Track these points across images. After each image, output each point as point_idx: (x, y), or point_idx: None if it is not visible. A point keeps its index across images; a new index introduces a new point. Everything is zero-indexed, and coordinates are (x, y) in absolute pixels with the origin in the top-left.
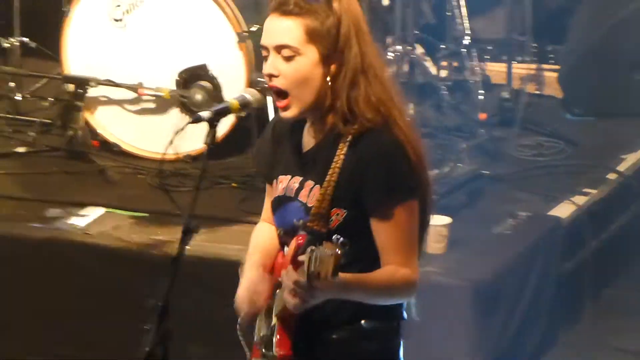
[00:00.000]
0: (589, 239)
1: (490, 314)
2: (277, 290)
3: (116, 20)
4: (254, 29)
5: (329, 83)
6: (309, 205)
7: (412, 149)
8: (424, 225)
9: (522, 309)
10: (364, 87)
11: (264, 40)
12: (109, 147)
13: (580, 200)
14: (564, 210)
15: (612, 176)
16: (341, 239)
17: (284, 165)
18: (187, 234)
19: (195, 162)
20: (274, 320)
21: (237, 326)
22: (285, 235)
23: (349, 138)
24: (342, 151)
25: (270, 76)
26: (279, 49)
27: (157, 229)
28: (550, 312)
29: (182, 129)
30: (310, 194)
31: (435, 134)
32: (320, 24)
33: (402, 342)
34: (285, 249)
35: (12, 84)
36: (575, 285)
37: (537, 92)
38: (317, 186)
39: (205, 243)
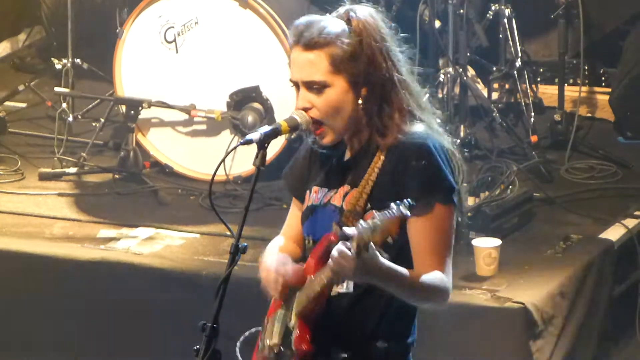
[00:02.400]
0: None
1: (540, 336)
2: (297, 292)
3: (169, 42)
4: None
5: (362, 105)
6: (344, 208)
7: (450, 153)
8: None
9: (573, 332)
10: (397, 101)
11: (292, 75)
12: (160, 168)
13: (632, 223)
14: (615, 233)
15: None
16: (405, 201)
17: (321, 178)
18: (235, 255)
19: (246, 183)
20: (294, 319)
21: (238, 346)
22: (314, 244)
23: (387, 146)
24: (380, 155)
25: (305, 109)
26: (307, 84)
27: (207, 250)
28: (602, 334)
29: (232, 151)
30: (346, 197)
31: (486, 155)
32: (344, 50)
33: None
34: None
35: (64, 106)
36: (626, 308)
37: (589, 114)
38: (354, 189)
39: (255, 264)
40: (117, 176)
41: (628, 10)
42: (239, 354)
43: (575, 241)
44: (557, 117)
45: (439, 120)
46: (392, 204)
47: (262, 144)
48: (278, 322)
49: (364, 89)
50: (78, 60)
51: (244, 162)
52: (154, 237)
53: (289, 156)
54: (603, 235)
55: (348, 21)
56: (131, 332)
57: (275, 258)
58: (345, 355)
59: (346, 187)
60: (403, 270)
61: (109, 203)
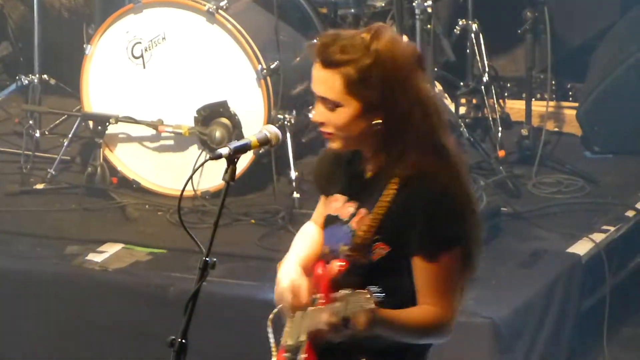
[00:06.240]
0: (608, 276)
1: (508, 351)
2: (310, 308)
3: (136, 58)
4: (273, 65)
5: (377, 127)
6: (357, 233)
7: (462, 194)
8: (470, 269)
9: (540, 347)
10: (415, 130)
11: (312, 86)
12: (128, 184)
13: (599, 237)
14: (582, 247)
15: (630, 213)
16: (379, 294)
17: (343, 186)
18: (204, 271)
19: (214, 198)
20: (303, 336)
21: (269, 320)
22: (330, 253)
23: (400, 178)
24: (393, 187)
25: (319, 123)
26: (322, 100)
27: (175, 266)
28: (569, 349)
29: (201, 166)
30: (361, 222)
31: None
32: (360, 73)
33: None
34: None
35: (31, 122)
36: (594, 322)
37: (557, 129)
38: (368, 216)
39: (223, 280)
40: (84, 192)
41: (595, 26)
42: (269, 329)
43: (543, 256)
44: (524, 131)
45: (462, 157)
46: (372, 288)
47: (232, 158)
48: (293, 325)
49: (379, 113)
50: (45, 76)
51: (211, 177)
52: (121, 253)
53: (259, 171)
54: (570, 250)
55: (370, 44)
56: (98, 349)
57: (289, 273)
58: (364, 358)
59: (363, 211)
60: (395, 315)
61: (76, 219)
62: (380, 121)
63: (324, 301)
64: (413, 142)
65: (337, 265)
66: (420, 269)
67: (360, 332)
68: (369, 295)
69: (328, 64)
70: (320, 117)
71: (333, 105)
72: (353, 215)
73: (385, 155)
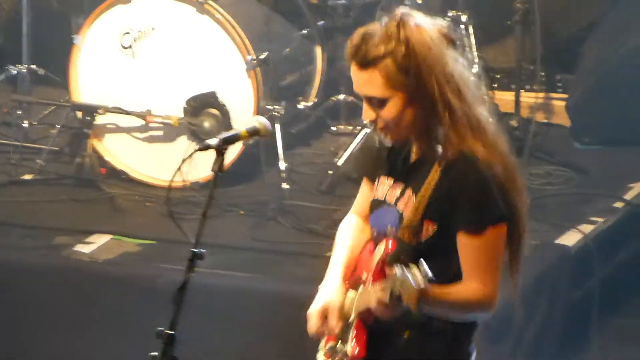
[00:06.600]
0: (597, 267)
1: (498, 342)
2: (361, 287)
3: (125, 48)
4: (262, 56)
5: (423, 111)
6: (405, 215)
7: (505, 172)
8: (517, 245)
9: (530, 338)
10: (453, 110)
11: (355, 88)
12: (117, 175)
13: (588, 228)
14: (571, 238)
15: (619, 205)
16: (429, 272)
17: (388, 169)
18: (193, 262)
19: (204, 189)
20: (354, 315)
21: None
22: (378, 236)
23: (443, 160)
24: (437, 169)
25: (371, 121)
26: (367, 99)
27: (164, 257)
28: (559, 340)
29: (190, 157)
30: (408, 204)
31: None
32: (398, 63)
33: (474, 349)
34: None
35: (20, 112)
36: (583, 313)
37: (546, 120)
38: (414, 197)
39: (212, 271)
40: (73, 183)
41: (585, 17)
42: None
43: (532, 247)
44: (513, 123)
45: (502, 136)
46: (423, 265)
47: (221, 149)
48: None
49: (421, 100)
50: (34, 66)
51: (201, 168)
52: (110, 244)
53: (248, 162)
54: (559, 241)
55: (398, 32)
56: (87, 339)
57: (321, 303)
58: (408, 332)
59: (410, 193)
60: (441, 293)
61: (65, 210)
62: (425, 105)
63: (372, 280)
64: (452, 122)
65: (385, 246)
66: (465, 245)
67: (411, 310)
68: (418, 272)
69: (365, 64)
70: (370, 116)
71: (380, 102)
72: (399, 197)
73: (428, 138)
